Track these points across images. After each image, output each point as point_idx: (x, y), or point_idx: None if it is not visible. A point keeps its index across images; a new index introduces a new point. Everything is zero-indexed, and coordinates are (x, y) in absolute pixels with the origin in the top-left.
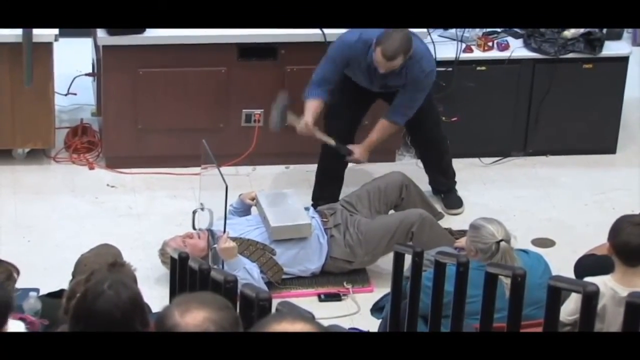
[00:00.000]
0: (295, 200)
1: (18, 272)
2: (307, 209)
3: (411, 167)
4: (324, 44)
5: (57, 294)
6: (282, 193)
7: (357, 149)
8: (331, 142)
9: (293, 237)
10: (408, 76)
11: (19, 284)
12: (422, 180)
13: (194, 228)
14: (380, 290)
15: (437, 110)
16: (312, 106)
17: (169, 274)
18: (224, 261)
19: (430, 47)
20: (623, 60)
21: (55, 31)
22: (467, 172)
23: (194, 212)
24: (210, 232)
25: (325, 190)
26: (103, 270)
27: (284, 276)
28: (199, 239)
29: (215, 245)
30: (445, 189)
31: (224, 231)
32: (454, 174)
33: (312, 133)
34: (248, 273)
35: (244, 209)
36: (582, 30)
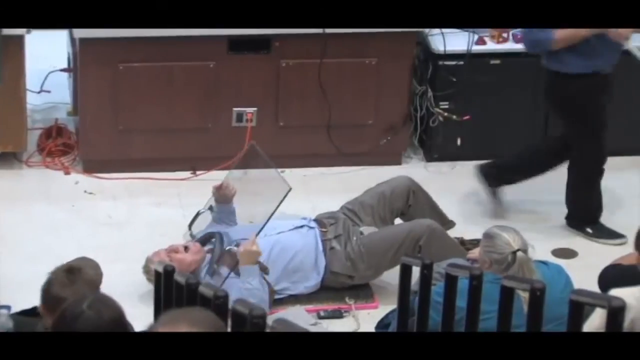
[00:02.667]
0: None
1: None
2: (305, 218)
3: (419, 171)
4: (322, 35)
5: (30, 312)
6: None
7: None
8: None
9: None
10: None
11: None
12: (430, 185)
13: (190, 228)
14: (386, 306)
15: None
16: None
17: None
18: (240, 266)
19: (439, 38)
20: None
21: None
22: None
23: (198, 214)
24: (219, 235)
25: (512, 173)
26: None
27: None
28: (186, 253)
29: (229, 248)
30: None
31: (258, 233)
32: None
33: None
34: (261, 283)
35: (227, 213)
36: None
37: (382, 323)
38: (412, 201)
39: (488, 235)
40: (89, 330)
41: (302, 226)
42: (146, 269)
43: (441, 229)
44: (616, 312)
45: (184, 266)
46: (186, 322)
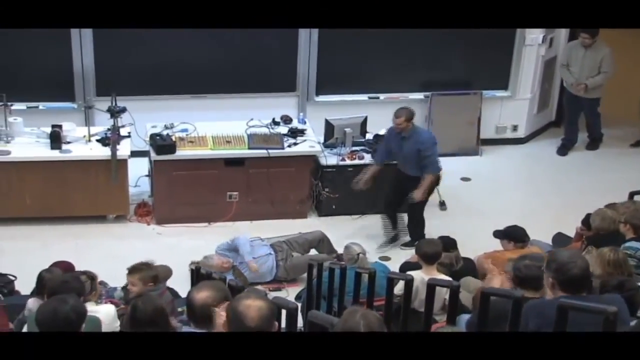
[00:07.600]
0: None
1: (96, 277)
2: (265, 244)
3: (313, 221)
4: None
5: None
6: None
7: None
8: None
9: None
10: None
11: (113, 285)
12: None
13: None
14: (301, 286)
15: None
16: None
17: (189, 275)
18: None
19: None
20: None
21: (129, 152)
22: None
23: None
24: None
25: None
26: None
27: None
28: (225, 265)
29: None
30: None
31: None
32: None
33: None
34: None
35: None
36: None
37: (298, 294)
38: (321, 243)
39: (345, 247)
40: (140, 316)
41: (269, 254)
42: (202, 262)
43: (329, 257)
44: (409, 281)
45: (223, 268)
46: (207, 286)
